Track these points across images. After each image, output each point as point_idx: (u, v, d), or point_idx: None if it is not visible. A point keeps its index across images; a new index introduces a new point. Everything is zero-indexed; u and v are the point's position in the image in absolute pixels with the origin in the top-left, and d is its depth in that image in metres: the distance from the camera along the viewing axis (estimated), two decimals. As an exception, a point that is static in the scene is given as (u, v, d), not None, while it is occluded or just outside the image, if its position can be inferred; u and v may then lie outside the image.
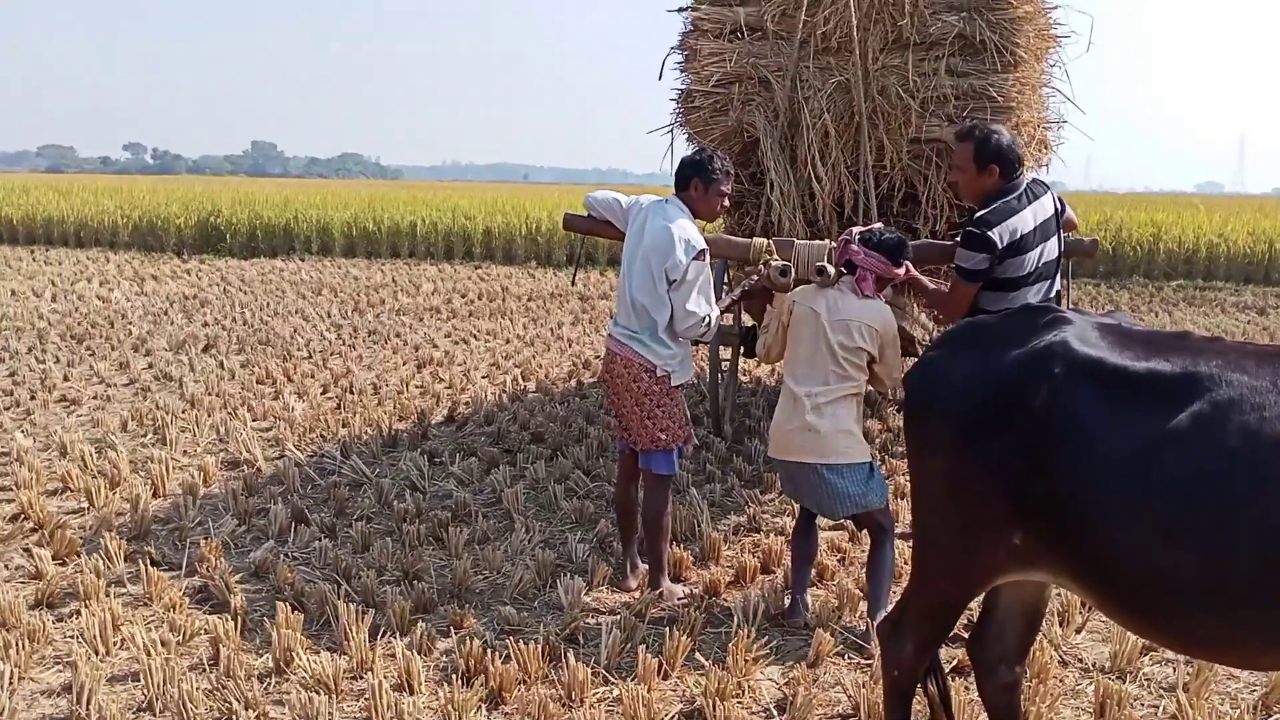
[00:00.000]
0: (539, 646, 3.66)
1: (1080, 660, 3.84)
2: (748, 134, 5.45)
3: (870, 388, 4.07)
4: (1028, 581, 2.71)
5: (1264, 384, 2.22)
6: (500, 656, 3.60)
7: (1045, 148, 5.80)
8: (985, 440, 2.49)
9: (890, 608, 3.97)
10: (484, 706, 3.40)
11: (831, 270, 3.96)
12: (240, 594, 4.22)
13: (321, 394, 8.04)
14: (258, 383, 8.32)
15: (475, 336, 10.93)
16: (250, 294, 13.87)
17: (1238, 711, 3.39)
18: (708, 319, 4.10)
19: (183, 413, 7.22)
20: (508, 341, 10.69)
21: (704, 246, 4.07)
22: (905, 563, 4.62)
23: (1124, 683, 3.59)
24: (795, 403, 3.92)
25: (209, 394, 7.77)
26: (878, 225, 4.17)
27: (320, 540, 4.85)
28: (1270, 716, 3.39)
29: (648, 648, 3.66)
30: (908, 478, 5.51)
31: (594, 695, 3.47)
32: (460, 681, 3.48)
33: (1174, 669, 3.72)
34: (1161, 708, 3.48)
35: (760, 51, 5.46)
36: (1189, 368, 2.31)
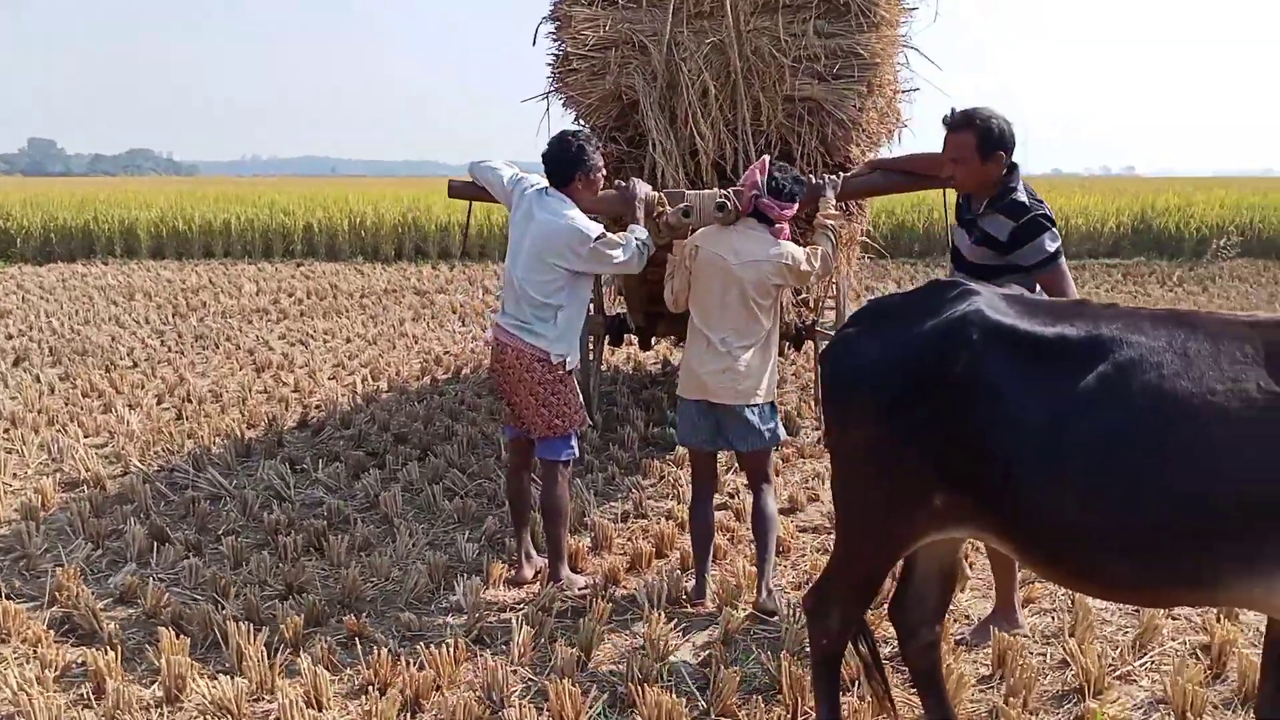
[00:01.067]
0: (449, 650, 3.56)
1: (968, 617, 4.03)
2: (626, 97, 5.46)
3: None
4: (942, 544, 2.84)
5: (1160, 344, 2.39)
6: (414, 663, 3.49)
7: (898, 118, 6.06)
8: (909, 409, 2.59)
9: (769, 571, 4.08)
10: (405, 716, 3.28)
11: (730, 205, 4.00)
12: (110, 622, 3.93)
13: (157, 404, 7.55)
14: (83, 395, 7.73)
15: (312, 337, 10.50)
16: (54, 302, 12.87)
17: (1118, 650, 3.65)
18: (637, 247, 4.11)
19: (4, 432, 6.64)
20: (349, 341, 10.32)
21: (600, 231, 4.06)
22: (790, 536, 4.77)
23: (1012, 634, 3.81)
24: (709, 346, 3.96)
25: (30, 411, 7.17)
26: (766, 159, 4.11)
27: (188, 559, 4.56)
28: (1145, 653, 3.66)
29: (564, 640, 3.63)
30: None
31: (515, 692, 3.41)
32: (375, 692, 3.34)
33: (1054, 618, 3.98)
34: (1049, 654, 3.70)
35: (635, 18, 5.48)
36: (1093, 331, 2.46)
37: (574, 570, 4.43)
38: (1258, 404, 2.23)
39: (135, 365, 8.98)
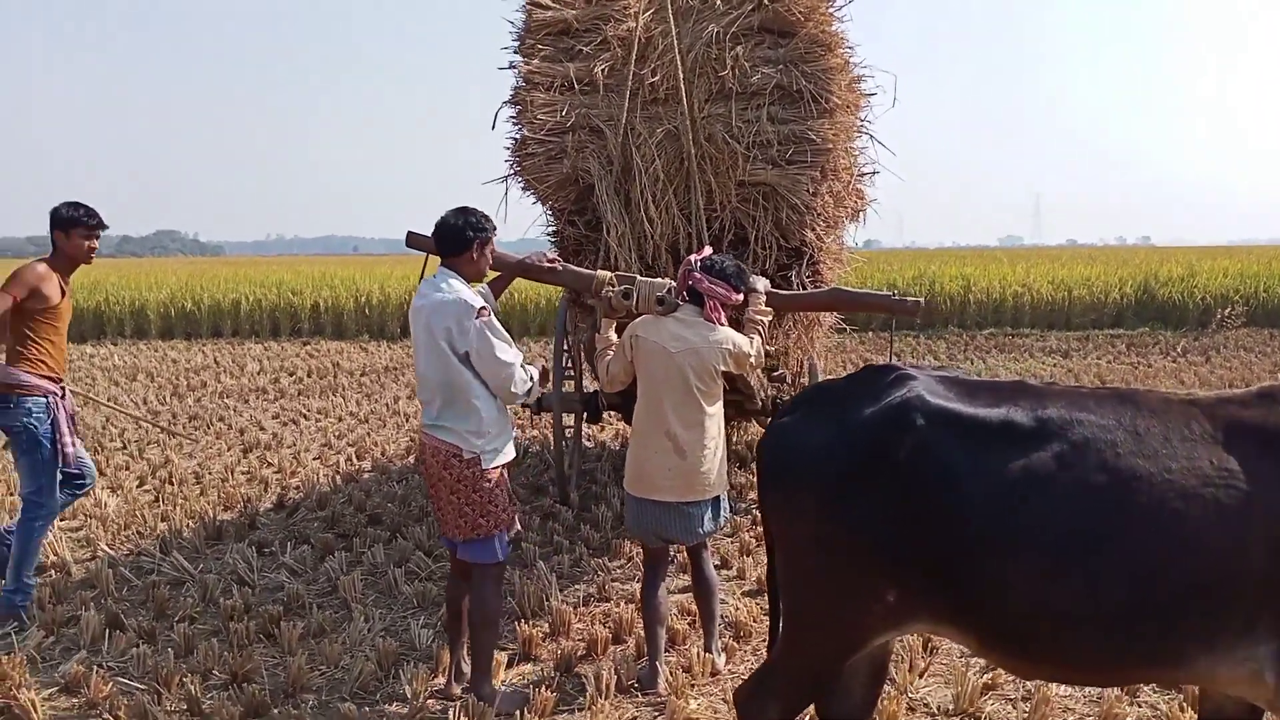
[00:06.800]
0: (384, 743, 3.47)
1: (927, 705, 3.90)
2: (582, 180, 5.51)
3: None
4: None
5: (1110, 422, 2.35)
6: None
7: (860, 197, 6.06)
8: (851, 500, 2.50)
9: (716, 632, 3.96)
10: (326, 815, 3.18)
11: (670, 300, 3.99)
12: (50, 714, 3.86)
13: (138, 486, 7.53)
14: (66, 479, 7.71)
15: (305, 416, 10.51)
16: (56, 383, 12.94)
17: (1076, 742, 3.51)
18: (521, 367, 3.85)
19: (-21, 517, 6.63)
20: (340, 419, 10.32)
21: (483, 304, 3.81)
22: (753, 620, 4.65)
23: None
24: (656, 439, 3.89)
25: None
26: (708, 250, 4.19)
27: (138, 646, 4.49)
28: (1104, 744, 3.52)
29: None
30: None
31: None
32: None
33: (1013, 706, 3.84)
34: (1007, 746, 3.57)
35: (592, 103, 5.57)
36: (1039, 412, 2.41)
37: (525, 658, 4.29)
38: (1212, 481, 2.19)
39: (124, 447, 8.99)
